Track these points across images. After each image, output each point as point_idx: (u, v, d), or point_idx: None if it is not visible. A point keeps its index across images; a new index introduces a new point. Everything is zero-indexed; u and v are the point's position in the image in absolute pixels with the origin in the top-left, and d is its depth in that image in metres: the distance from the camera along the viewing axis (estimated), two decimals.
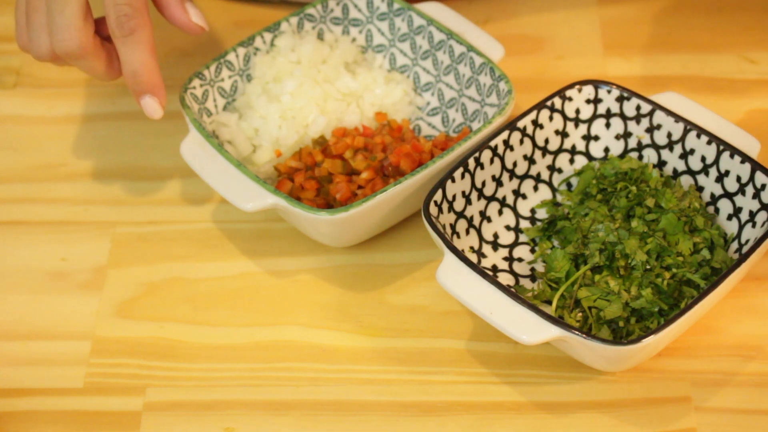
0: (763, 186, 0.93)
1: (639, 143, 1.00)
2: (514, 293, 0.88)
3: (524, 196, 1.00)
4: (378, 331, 0.96)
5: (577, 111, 1.00)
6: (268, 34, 1.06)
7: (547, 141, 1.00)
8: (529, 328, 0.86)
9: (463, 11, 1.13)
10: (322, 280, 0.99)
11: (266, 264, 1.00)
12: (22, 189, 1.05)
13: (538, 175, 1.01)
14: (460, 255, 0.90)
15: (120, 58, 0.94)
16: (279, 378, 0.93)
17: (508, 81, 1.00)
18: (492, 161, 0.97)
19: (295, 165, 1.00)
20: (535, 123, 0.99)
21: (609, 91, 1.00)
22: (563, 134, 1.01)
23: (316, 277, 0.99)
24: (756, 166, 0.94)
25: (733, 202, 0.96)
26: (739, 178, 0.95)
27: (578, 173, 1.01)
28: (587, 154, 1.02)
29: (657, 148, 0.99)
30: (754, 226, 0.94)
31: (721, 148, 0.96)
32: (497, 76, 1.01)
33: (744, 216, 0.95)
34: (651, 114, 0.99)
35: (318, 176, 0.99)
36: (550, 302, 0.94)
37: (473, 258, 0.96)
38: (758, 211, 0.94)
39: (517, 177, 1.00)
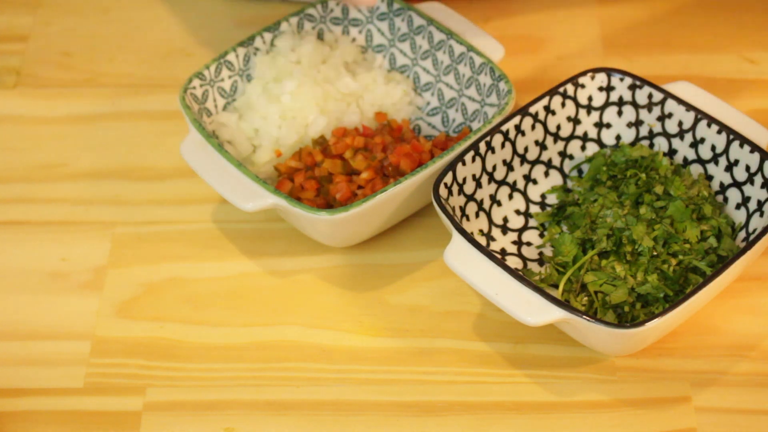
0: None
1: (650, 131, 1.00)
2: (520, 275, 0.88)
3: (535, 182, 1.00)
4: (378, 331, 0.96)
5: (590, 98, 1.01)
6: (268, 34, 1.06)
7: (558, 127, 1.00)
8: (534, 310, 0.86)
9: (463, 11, 1.13)
10: (322, 280, 0.99)
11: (266, 264, 1.00)
12: (22, 189, 1.05)
13: (549, 161, 1.01)
14: (468, 236, 0.90)
15: None
16: (279, 378, 0.93)
17: (508, 81, 1.00)
18: (503, 146, 0.97)
19: (295, 165, 1.00)
20: (548, 109, 0.99)
21: (621, 79, 1.00)
22: (575, 121, 1.01)
23: (316, 277, 0.99)
24: (765, 155, 0.94)
25: (742, 192, 0.96)
26: (748, 168, 0.95)
27: (589, 160, 1.01)
28: (599, 142, 1.02)
29: (668, 136, 1.00)
30: (762, 215, 0.94)
31: (731, 137, 0.96)
32: (497, 76, 1.01)
33: (752, 205, 0.95)
34: (663, 102, 0.99)
35: (318, 176, 0.99)
36: (557, 286, 0.94)
37: (482, 241, 0.97)
38: (766, 200, 0.94)
39: (528, 162, 1.00)
